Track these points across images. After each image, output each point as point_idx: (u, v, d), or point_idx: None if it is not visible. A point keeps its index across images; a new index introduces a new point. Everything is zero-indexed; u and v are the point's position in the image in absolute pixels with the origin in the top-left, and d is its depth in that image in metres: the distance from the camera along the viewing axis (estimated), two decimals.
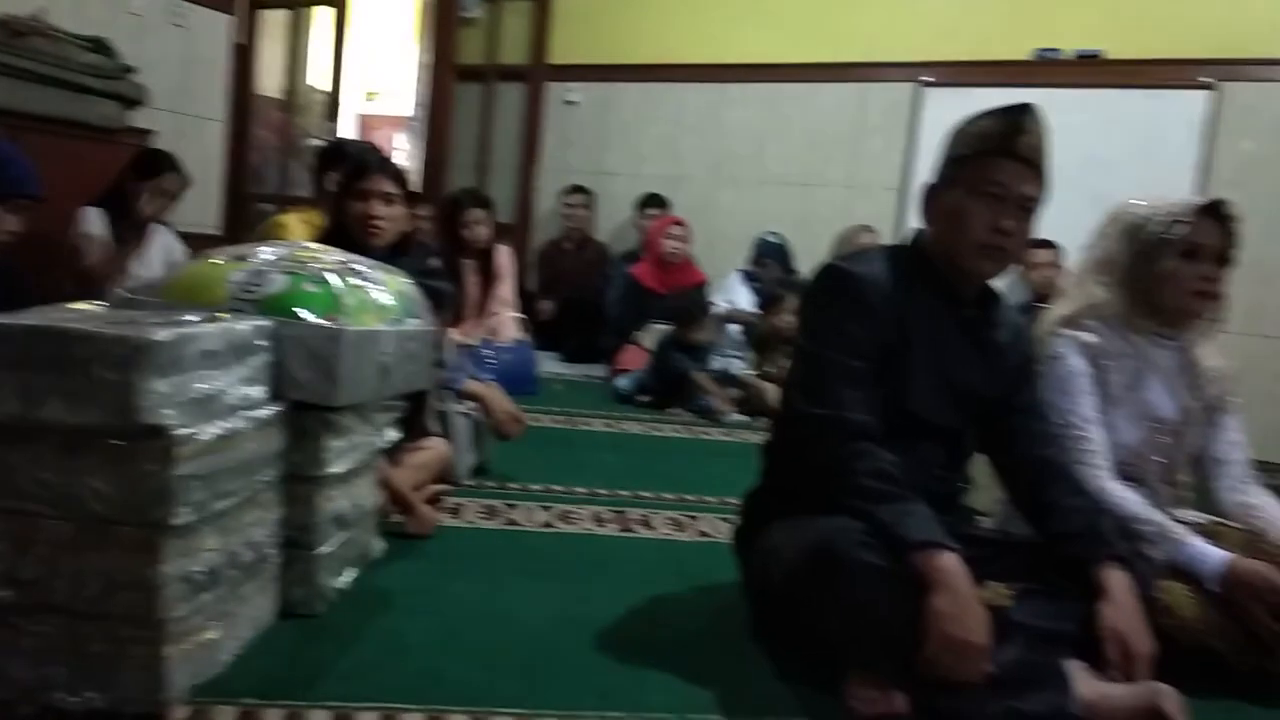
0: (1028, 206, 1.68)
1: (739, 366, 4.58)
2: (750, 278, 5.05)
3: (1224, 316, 1.98)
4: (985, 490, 2.07)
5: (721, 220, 5.54)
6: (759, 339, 4.56)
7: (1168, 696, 1.51)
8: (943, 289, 1.75)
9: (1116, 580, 1.62)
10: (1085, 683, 1.57)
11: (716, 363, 4.57)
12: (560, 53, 5.97)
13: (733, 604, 1.87)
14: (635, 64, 5.76)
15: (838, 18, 5.31)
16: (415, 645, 1.62)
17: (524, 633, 1.72)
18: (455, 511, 2.40)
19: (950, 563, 1.48)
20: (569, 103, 5.97)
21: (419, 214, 5.23)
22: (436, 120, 6.07)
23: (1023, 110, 1.70)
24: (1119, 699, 1.54)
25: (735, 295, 5.00)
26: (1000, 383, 1.80)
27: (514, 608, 1.83)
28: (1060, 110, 4.70)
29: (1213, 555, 1.76)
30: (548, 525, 2.40)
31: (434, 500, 2.36)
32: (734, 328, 4.81)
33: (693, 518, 2.58)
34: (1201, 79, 4.47)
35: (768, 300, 4.65)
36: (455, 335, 3.87)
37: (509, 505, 2.51)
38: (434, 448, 2.43)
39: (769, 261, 5.00)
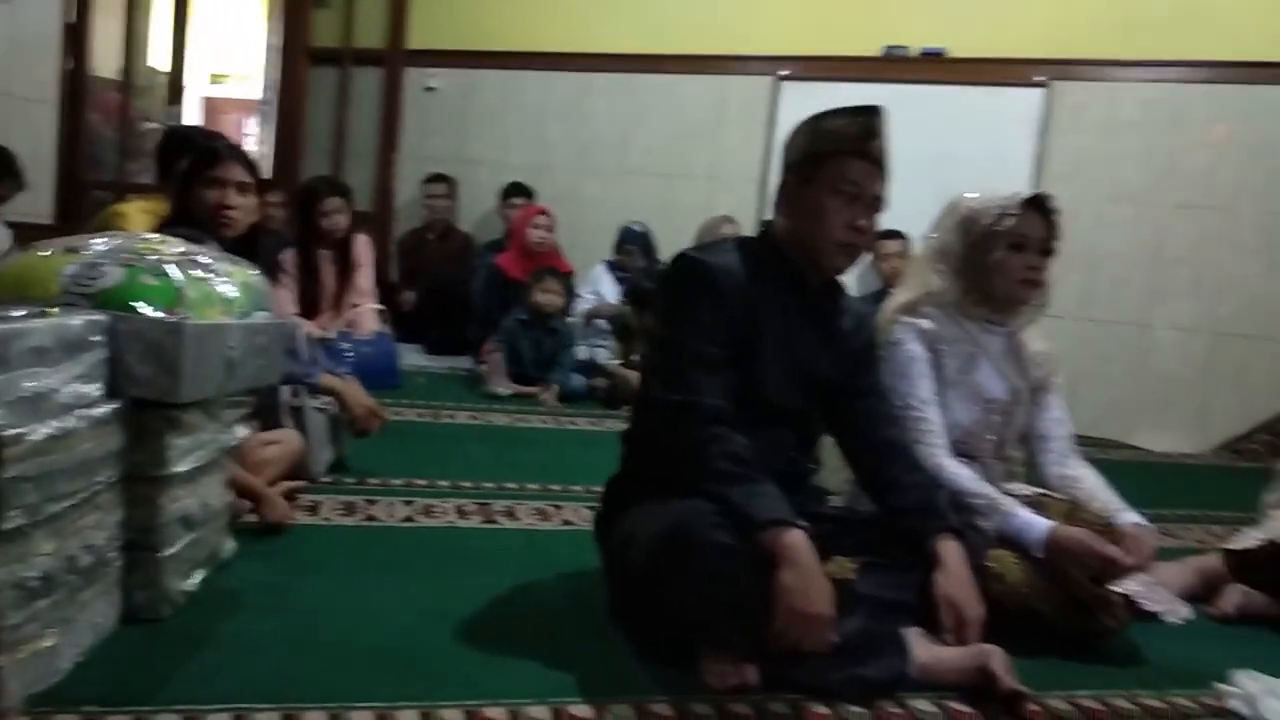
0: (877, 206, 1.77)
1: (604, 356, 4.62)
2: (615, 269, 5.09)
3: (1047, 303, 2.12)
4: (834, 471, 2.17)
5: (586, 210, 5.56)
6: (624, 329, 4.61)
7: (995, 656, 1.63)
8: (791, 279, 1.82)
9: (950, 551, 1.73)
10: (922, 647, 1.67)
11: (582, 352, 4.60)
12: (420, 37, 5.85)
13: (594, 589, 1.90)
14: (498, 51, 5.71)
15: (699, 10, 5.39)
16: (268, 645, 1.58)
17: (384, 628, 1.70)
18: (312, 509, 2.35)
19: (797, 540, 1.55)
20: (429, 89, 5.87)
21: (270, 202, 5.06)
22: (288, 105, 5.87)
23: (874, 112, 1.78)
24: (951, 660, 1.65)
25: (601, 287, 5.03)
26: (845, 368, 1.89)
27: (373, 603, 1.81)
28: (908, 105, 4.91)
29: (1037, 524, 1.89)
30: (409, 520, 2.37)
31: (289, 497, 2.30)
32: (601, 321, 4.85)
33: (557, 507, 2.60)
34: (1036, 78, 4.76)
35: (633, 291, 4.70)
36: (311, 328, 3.77)
37: (368, 501, 2.47)
38: (286, 442, 2.37)
39: (633, 249, 5.05)
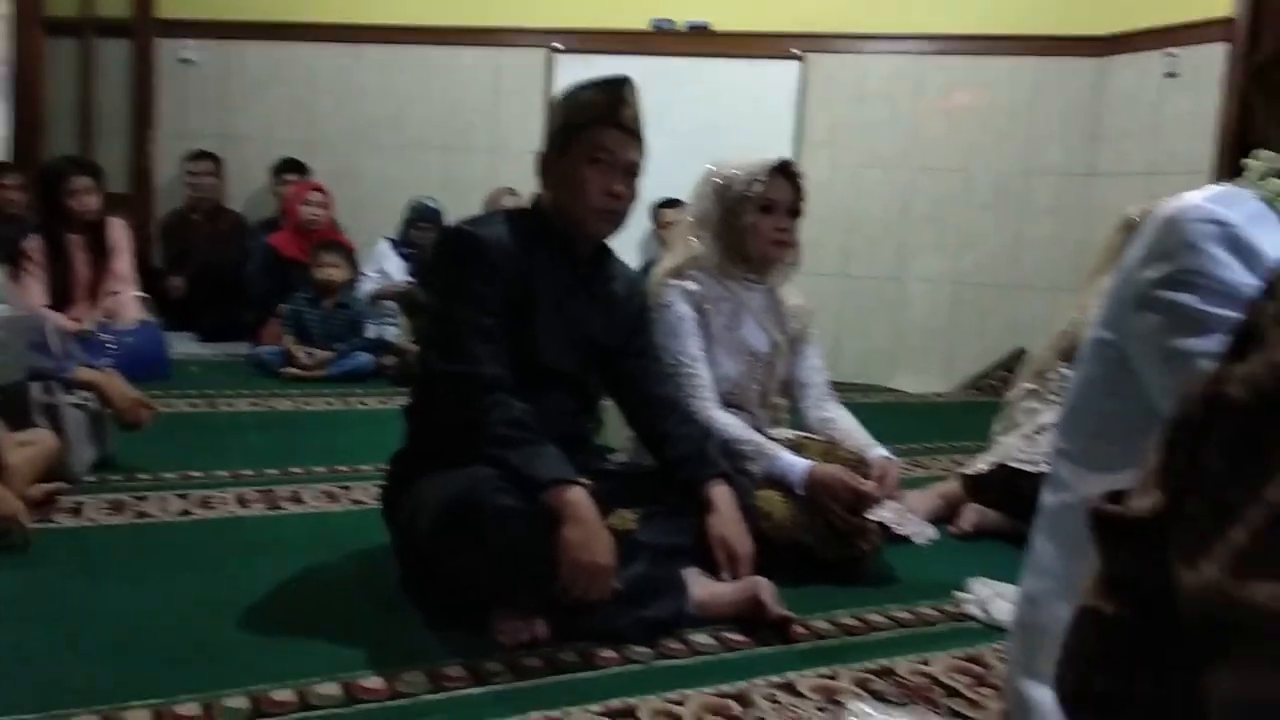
0: (634, 171, 1.85)
1: (394, 333, 4.55)
2: (400, 245, 5.00)
3: (799, 260, 2.30)
4: (616, 429, 2.27)
5: (365, 186, 5.42)
6: (413, 306, 4.55)
7: (764, 587, 1.78)
8: (562, 248, 1.89)
9: (721, 494, 1.87)
10: (699, 585, 1.80)
11: (371, 330, 4.51)
12: (171, 6, 5.47)
13: (385, 565, 1.91)
14: (259, 22, 5.43)
15: None
16: (34, 654, 1.51)
17: (159, 624, 1.65)
18: (75, 511, 2.21)
19: (578, 496, 1.63)
20: (185, 61, 5.51)
21: (8, 185, 4.62)
22: (25, 80, 5.34)
23: (622, 82, 1.86)
24: (726, 595, 1.79)
25: (386, 264, 4.93)
26: (618, 331, 1.98)
27: (147, 601, 1.74)
28: (677, 78, 5.11)
29: (798, 464, 2.07)
30: (185, 514, 2.28)
31: (48, 500, 2.15)
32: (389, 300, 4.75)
33: (345, 488, 2.57)
34: (793, 51, 5.03)
35: (423, 267, 4.64)
36: (62, 320, 3.50)
37: (138, 498, 2.35)
38: (39, 442, 2.21)
39: (427, 225, 4.97)
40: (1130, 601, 0.50)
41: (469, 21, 5.34)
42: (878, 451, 2.20)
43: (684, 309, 2.19)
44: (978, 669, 1.64)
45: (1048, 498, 1.18)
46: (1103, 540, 0.52)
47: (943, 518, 2.52)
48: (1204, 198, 1.04)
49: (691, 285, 2.20)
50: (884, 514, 2.23)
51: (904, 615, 1.89)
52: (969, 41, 4.89)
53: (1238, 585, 0.40)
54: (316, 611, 1.75)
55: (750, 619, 1.75)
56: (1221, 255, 0.99)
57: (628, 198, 1.83)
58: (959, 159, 4.96)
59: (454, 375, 1.74)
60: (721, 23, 5.08)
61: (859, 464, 2.15)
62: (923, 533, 2.36)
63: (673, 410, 2.00)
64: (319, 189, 4.89)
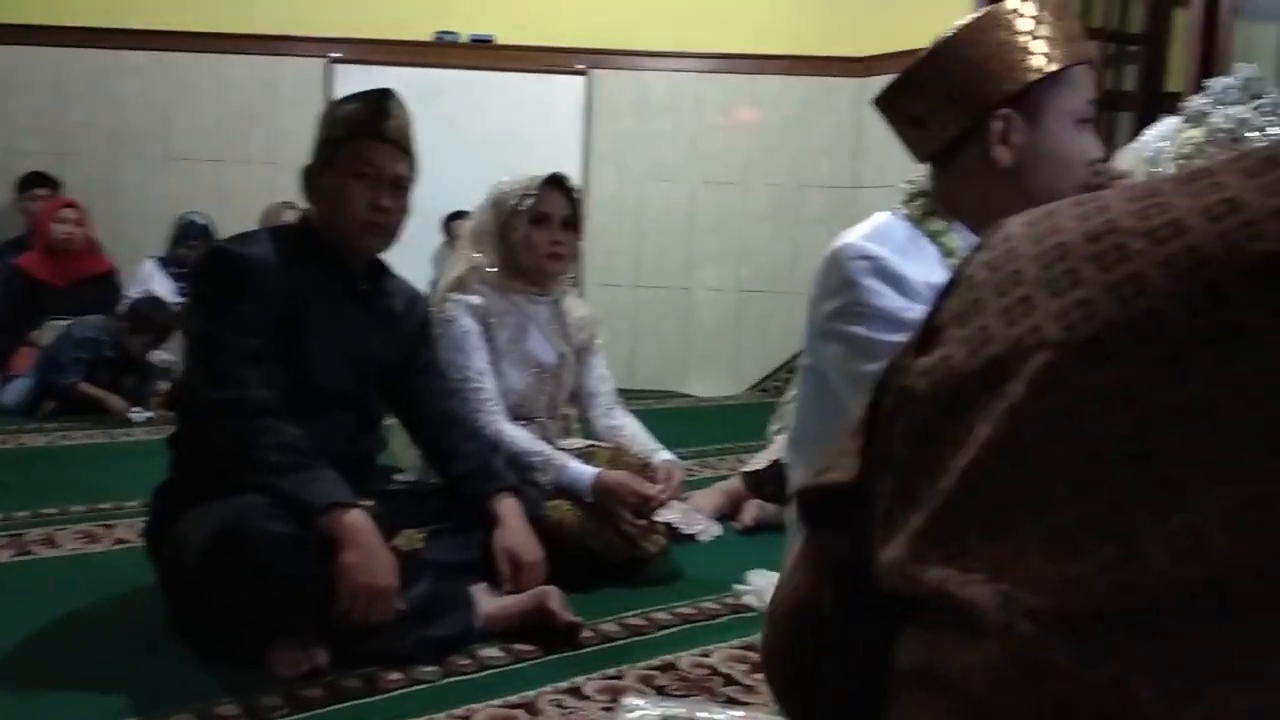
0: (402, 185, 1.83)
1: (164, 359, 4.27)
2: (169, 264, 4.69)
3: (577, 272, 2.35)
4: (404, 448, 2.24)
5: (126, 201, 5.06)
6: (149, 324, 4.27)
7: (552, 596, 1.80)
8: (333, 264, 1.84)
9: (507, 507, 1.89)
10: (487, 600, 1.80)
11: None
12: None
13: (153, 605, 1.79)
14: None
15: None
16: None
17: None
18: None
19: (356, 519, 1.60)
20: None
21: None
22: None
23: (386, 95, 1.84)
24: (514, 606, 1.80)
25: (153, 285, 4.61)
26: (399, 348, 1.95)
27: None
28: (462, 90, 5.09)
29: (586, 473, 2.11)
30: None
31: None
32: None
33: (108, 526, 2.39)
34: (578, 65, 5.12)
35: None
36: None
37: None
38: None
39: (196, 243, 4.69)
40: (826, 583, 0.52)
41: (240, 29, 5.10)
42: (662, 455, 2.28)
43: (468, 323, 2.18)
44: (754, 656, 1.73)
45: (790, 511, 1.28)
46: (807, 517, 0.56)
47: (727, 514, 2.63)
48: (859, 235, 1.20)
49: (475, 299, 2.20)
50: (670, 515, 2.32)
51: (688, 611, 1.97)
52: (743, 60, 5.14)
53: (915, 566, 0.43)
54: (76, 658, 1.63)
55: (539, 628, 1.77)
56: (877, 286, 1.14)
57: (396, 211, 1.81)
58: (737, 172, 5.20)
59: (220, 401, 1.67)
60: (506, 36, 5.10)
61: (645, 468, 2.22)
62: (708, 530, 2.47)
63: (458, 426, 2.00)
64: (72, 205, 4.52)
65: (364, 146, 1.77)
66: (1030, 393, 0.40)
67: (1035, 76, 1.14)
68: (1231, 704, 0.31)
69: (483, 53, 5.09)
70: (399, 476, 2.23)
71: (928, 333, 0.47)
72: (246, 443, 1.64)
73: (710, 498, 2.66)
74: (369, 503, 1.74)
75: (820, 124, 5.11)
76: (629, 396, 4.56)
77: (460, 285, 2.22)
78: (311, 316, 1.79)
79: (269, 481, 1.61)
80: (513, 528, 1.87)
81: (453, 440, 1.97)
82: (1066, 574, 0.36)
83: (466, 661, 1.67)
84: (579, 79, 5.12)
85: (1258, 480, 0.33)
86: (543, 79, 5.12)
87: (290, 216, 4.59)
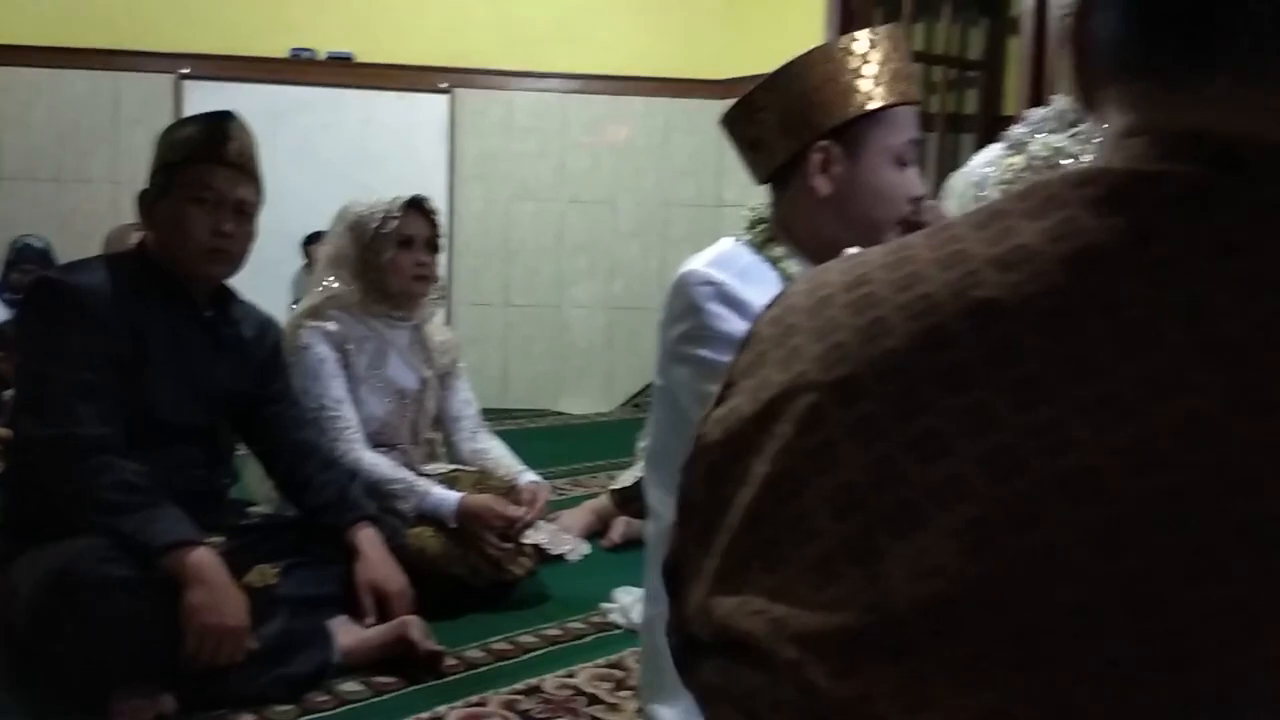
0: (245, 210, 1.78)
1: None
2: (3, 289, 4.41)
3: (442, 294, 2.33)
4: (260, 480, 2.17)
5: None
6: None
7: (413, 625, 1.77)
8: (175, 293, 1.78)
9: (366, 538, 1.85)
10: (346, 633, 1.77)
11: None
12: None
13: None
14: None
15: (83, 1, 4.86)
16: None
17: None
18: None
19: (201, 557, 1.54)
20: None
21: None
22: None
23: (226, 117, 1.79)
24: (374, 638, 1.76)
25: None
26: (248, 377, 1.89)
27: None
28: (319, 108, 4.98)
29: (449, 498, 2.09)
30: None
31: None
32: None
33: None
34: (441, 84, 5.07)
35: None
36: None
37: None
38: None
39: (30, 268, 4.41)
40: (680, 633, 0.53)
41: (81, 43, 4.85)
42: (528, 477, 2.28)
43: (324, 350, 2.14)
44: (619, 674, 1.75)
45: (648, 528, 1.30)
46: (667, 589, 0.56)
47: (596, 532, 2.64)
48: (704, 261, 1.25)
49: (331, 326, 2.16)
50: (538, 536, 2.32)
51: (554, 632, 1.97)
52: (607, 81, 5.19)
53: (710, 603, 0.45)
54: None
55: (401, 659, 1.74)
56: (719, 310, 1.18)
57: (240, 237, 1.76)
58: (604, 191, 5.25)
59: (52, 439, 1.58)
60: (365, 54, 5.01)
61: (510, 491, 2.21)
62: (576, 550, 2.48)
63: (314, 455, 1.95)
64: None
65: (203, 171, 1.72)
66: (797, 431, 0.43)
67: (857, 112, 1.20)
68: (961, 713, 0.34)
69: (341, 70, 4.98)
70: (253, 510, 2.15)
71: (724, 387, 0.50)
72: (81, 483, 1.56)
73: (579, 516, 2.67)
74: (217, 539, 1.68)
75: (684, 144, 5.21)
76: (501, 416, 4.59)
77: (316, 312, 2.17)
78: (152, 347, 1.72)
79: (107, 522, 1.54)
80: (373, 558, 1.83)
81: (308, 470, 1.92)
82: (825, 598, 0.38)
83: (325, 698, 1.63)
84: (442, 98, 5.08)
85: (979, 503, 0.36)
86: (404, 97, 5.05)
87: (138, 239, 4.39)
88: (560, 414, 5.06)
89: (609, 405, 5.20)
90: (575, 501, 2.91)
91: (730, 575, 0.44)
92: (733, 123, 1.30)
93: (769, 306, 0.52)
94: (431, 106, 5.07)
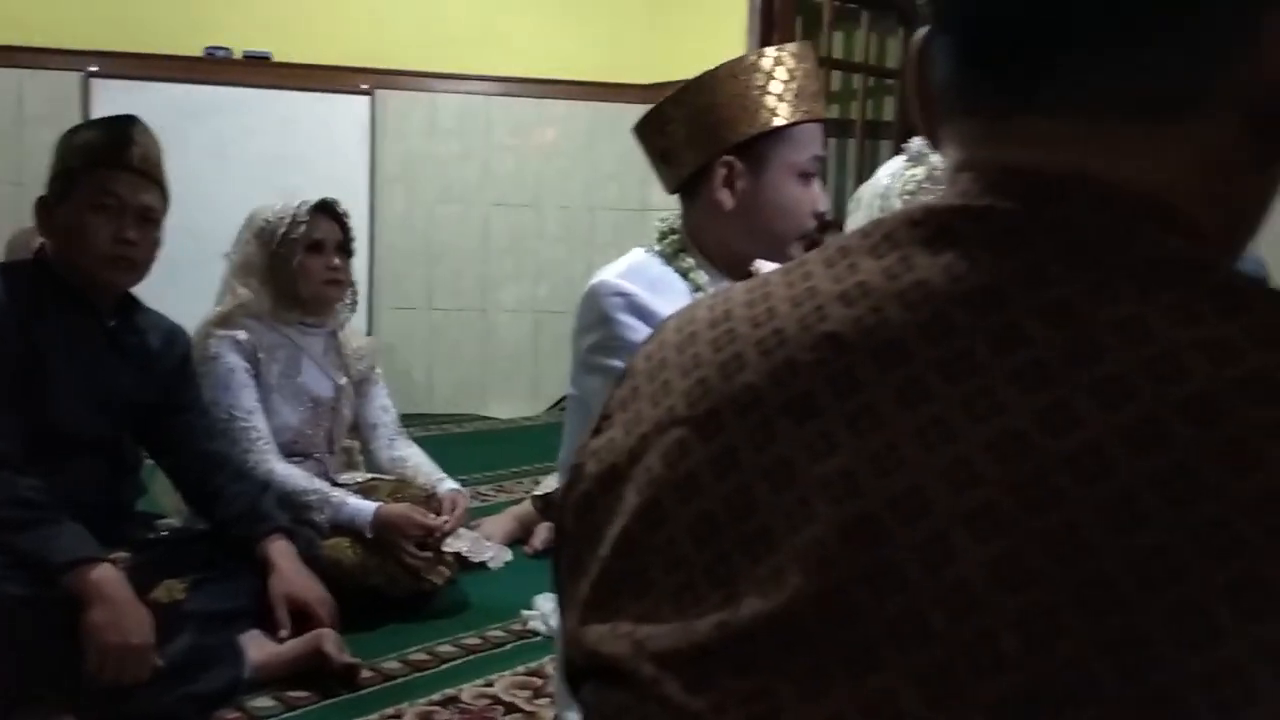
0: (150, 216, 1.74)
1: None
2: None
3: (355, 299, 2.30)
4: (169, 493, 2.11)
5: None
6: None
7: (327, 638, 1.75)
8: (76, 302, 1.73)
9: (279, 550, 1.82)
10: (258, 648, 1.73)
11: None
12: None
13: None
14: None
15: None
16: None
17: None
18: None
19: (103, 574, 1.50)
20: None
21: None
22: None
23: (129, 121, 1.74)
24: (287, 653, 1.74)
25: None
26: (155, 387, 1.85)
27: None
28: (235, 108, 4.86)
29: (365, 508, 2.07)
30: None
31: None
32: None
33: None
34: (362, 86, 5.00)
35: None
36: None
37: None
38: None
39: None
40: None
41: None
42: (447, 485, 2.26)
43: (234, 360, 2.09)
44: (538, 681, 1.75)
45: None
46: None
47: (519, 539, 2.64)
48: (615, 272, 1.27)
49: (241, 334, 2.12)
50: (458, 544, 2.31)
51: (474, 641, 1.96)
52: (532, 85, 5.18)
53: (581, 631, 0.46)
54: None
55: (315, 673, 1.72)
56: (630, 321, 1.20)
57: (144, 244, 1.72)
58: (529, 195, 5.23)
59: None
60: (283, 53, 4.91)
61: (429, 499, 2.19)
62: (498, 557, 2.47)
63: (224, 466, 1.91)
64: None
65: (105, 177, 1.67)
66: (664, 464, 0.45)
67: (761, 129, 1.23)
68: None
69: (259, 70, 4.87)
70: (162, 523, 2.10)
71: (601, 419, 0.52)
72: None
73: (501, 523, 2.66)
74: (122, 554, 1.64)
75: (609, 148, 5.22)
76: (426, 421, 4.55)
77: (225, 320, 2.13)
78: (52, 358, 1.67)
79: (3, 540, 1.49)
80: (287, 570, 1.80)
81: (218, 482, 1.88)
82: (685, 619, 0.40)
83: (235, 715, 1.61)
84: (363, 99, 5.00)
85: (821, 524, 0.38)
86: (324, 98, 4.96)
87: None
88: (486, 418, 5.03)
89: (535, 409, 5.18)
90: (499, 507, 2.89)
91: (601, 603, 0.45)
92: (643, 133, 1.32)
93: (645, 342, 0.54)
94: (352, 108, 4.99)
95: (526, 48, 5.19)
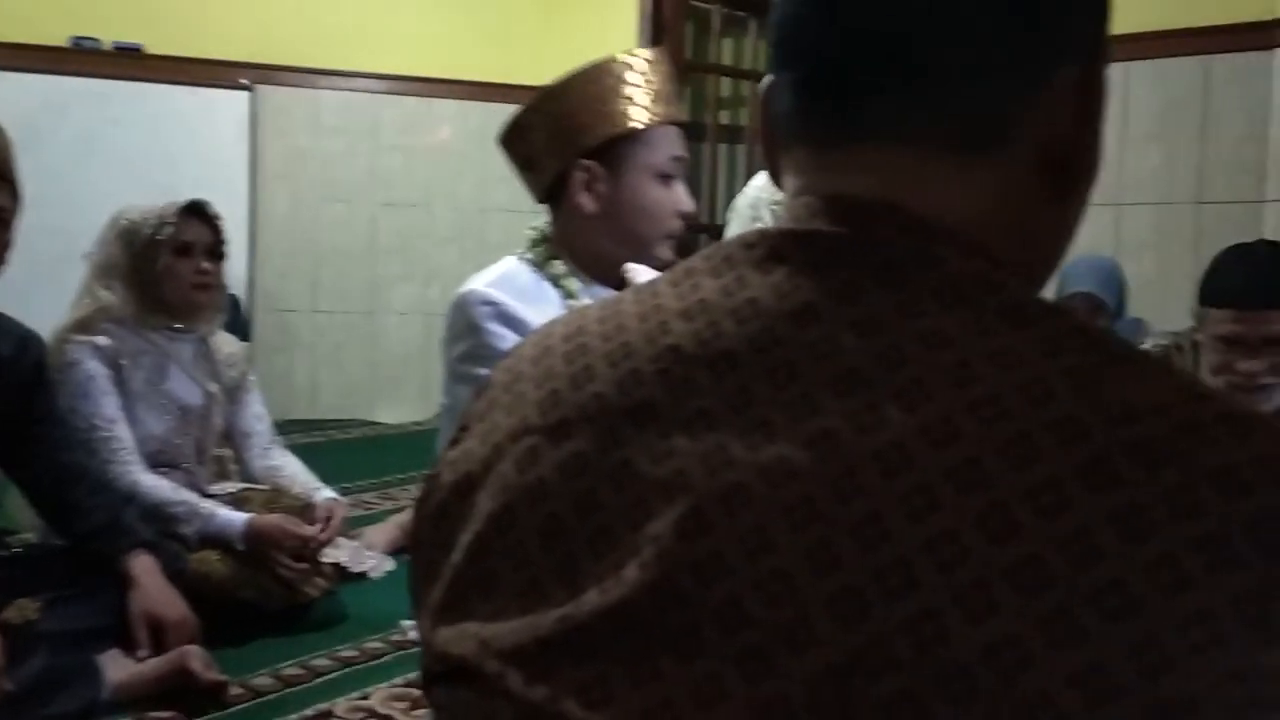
0: (3, 218, 1.65)
1: None
2: None
3: (226, 305, 2.23)
4: (24, 507, 2.01)
5: None
6: None
7: (193, 655, 1.69)
8: None
9: (141, 565, 1.76)
10: (118, 667, 1.67)
11: None
12: None
13: None
14: None
15: None
16: None
17: None
18: None
19: None
20: None
21: None
22: None
23: None
24: (150, 671, 1.67)
25: None
26: (7, 396, 1.75)
27: None
28: (106, 102, 4.65)
29: (236, 519, 2.00)
30: None
31: None
32: None
33: None
34: (242, 81, 4.84)
35: None
36: None
37: None
38: None
39: None
40: None
41: None
42: (324, 494, 2.22)
43: (94, 366, 2.00)
44: (415, 693, 1.72)
45: None
46: None
47: (401, 548, 2.58)
48: (484, 281, 1.28)
49: (102, 340, 2.03)
50: (337, 554, 2.26)
51: (351, 653, 1.92)
52: (421, 83, 5.10)
53: (432, 635, 0.48)
54: None
55: (181, 691, 1.66)
56: (499, 330, 1.21)
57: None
58: (419, 194, 5.15)
59: None
60: (156, 45, 4.72)
61: (305, 509, 2.14)
62: (379, 567, 2.43)
63: (83, 479, 1.83)
64: None
65: None
66: (516, 470, 0.47)
67: (615, 132, 1.25)
68: (634, 705, 0.38)
69: (130, 62, 4.67)
70: (16, 539, 2.00)
71: (460, 430, 0.54)
72: None
73: (384, 532, 2.61)
74: None
75: (498, 149, 5.19)
76: (310, 428, 4.43)
77: (84, 325, 2.04)
78: None
79: None
80: (149, 587, 1.74)
81: (77, 495, 1.80)
82: (530, 616, 0.42)
83: None
84: (243, 94, 4.84)
85: (659, 521, 0.41)
86: (201, 93, 4.78)
87: None
88: (374, 424, 4.93)
89: (425, 414, 5.10)
90: (385, 515, 2.84)
91: (452, 607, 0.47)
92: (506, 143, 1.32)
93: (505, 356, 0.56)
94: (231, 103, 4.83)
95: (415, 46, 5.11)
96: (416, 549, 0.52)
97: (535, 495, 0.45)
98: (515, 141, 1.31)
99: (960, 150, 0.46)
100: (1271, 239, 1.70)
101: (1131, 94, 3.69)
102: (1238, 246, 1.62)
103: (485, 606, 0.45)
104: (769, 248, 0.46)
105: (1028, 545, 0.35)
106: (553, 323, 0.54)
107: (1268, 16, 3.38)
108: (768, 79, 0.52)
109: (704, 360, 0.44)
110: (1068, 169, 0.47)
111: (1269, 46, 3.38)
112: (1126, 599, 0.34)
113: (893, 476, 0.37)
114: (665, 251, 1.31)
